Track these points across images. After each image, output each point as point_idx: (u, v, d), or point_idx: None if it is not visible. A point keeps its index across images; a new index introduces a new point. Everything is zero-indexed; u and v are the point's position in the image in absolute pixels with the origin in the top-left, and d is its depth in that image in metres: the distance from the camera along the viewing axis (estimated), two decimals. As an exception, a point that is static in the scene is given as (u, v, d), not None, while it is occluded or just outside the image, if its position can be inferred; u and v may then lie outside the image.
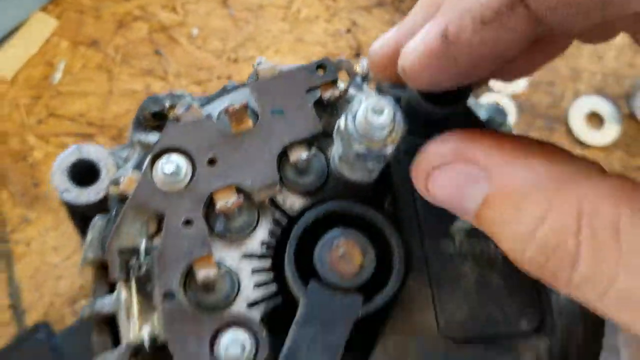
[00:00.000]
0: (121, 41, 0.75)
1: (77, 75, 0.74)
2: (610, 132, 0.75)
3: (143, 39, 0.75)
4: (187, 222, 0.34)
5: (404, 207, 0.35)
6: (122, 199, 0.37)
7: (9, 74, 0.73)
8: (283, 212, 0.36)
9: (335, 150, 0.33)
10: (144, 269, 0.34)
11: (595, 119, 0.76)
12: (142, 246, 0.34)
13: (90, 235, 0.41)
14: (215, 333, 0.33)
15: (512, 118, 0.74)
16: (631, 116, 0.75)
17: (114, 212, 0.38)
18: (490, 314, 0.34)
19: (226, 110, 0.34)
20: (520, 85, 0.76)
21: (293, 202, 0.36)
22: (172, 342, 0.32)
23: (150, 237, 0.35)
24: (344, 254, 0.33)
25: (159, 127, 0.44)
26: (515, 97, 0.75)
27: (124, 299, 0.36)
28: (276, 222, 0.36)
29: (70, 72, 0.74)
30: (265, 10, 0.76)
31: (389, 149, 0.30)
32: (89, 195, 0.47)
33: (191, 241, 0.34)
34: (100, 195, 0.47)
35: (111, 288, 0.40)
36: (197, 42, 0.75)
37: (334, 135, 0.31)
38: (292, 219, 0.35)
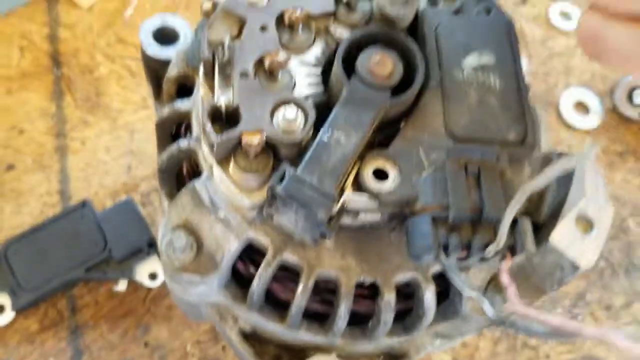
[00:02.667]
0: (186, -8, 0.88)
1: (146, 11, 0.86)
2: (593, 119, 0.86)
3: (205, -7, 0.88)
4: (263, 28, 0.45)
5: (429, 44, 0.46)
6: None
7: (87, 3, 0.86)
8: (334, 38, 0.47)
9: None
10: (227, 56, 0.44)
11: (582, 107, 0.87)
12: (227, 40, 0.44)
13: (175, 58, 0.52)
14: (275, 106, 0.43)
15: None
16: (613, 109, 0.87)
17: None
18: (486, 123, 0.44)
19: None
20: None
21: (342, 32, 0.47)
22: (243, 106, 0.42)
23: (232, 38, 0.45)
24: (379, 61, 0.43)
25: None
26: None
27: (202, 94, 0.46)
28: (327, 44, 0.46)
29: (140, 9, 0.86)
30: None
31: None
32: (168, 52, 0.58)
33: (265, 40, 0.44)
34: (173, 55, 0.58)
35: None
36: None
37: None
38: (340, 43, 0.46)
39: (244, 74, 0.43)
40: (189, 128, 0.51)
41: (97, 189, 0.76)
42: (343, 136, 0.41)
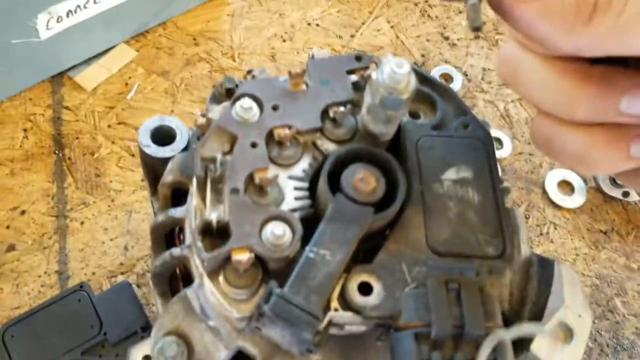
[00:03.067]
0: (186, 75, 0.92)
1: (147, 95, 0.90)
2: (578, 198, 0.89)
3: (204, 76, 0.92)
4: (253, 145, 0.47)
5: (410, 158, 0.49)
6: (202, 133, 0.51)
7: (91, 86, 0.89)
8: (320, 152, 0.49)
9: (364, 104, 0.47)
10: (218, 172, 0.46)
11: (567, 186, 0.90)
12: (219, 157, 0.47)
13: (170, 164, 0.54)
14: (264, 222, 0.45)
15: (500, 175, 0.89)
16: (597, 189, 0.89)
17: (194, 144, 0.51)
18: (466, 238, 0.46)
19: (289, 73, 0.49)
20: (505, 152, 0.91)
21: (328, 146, 0.49)
22: (233, 222, 0.44)
23: (224, 154, 0.48)
24: (362, 178, 0.46)
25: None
26: (499, 161, 0.90)
27: (195, 204, 0.48)
28: (314, 158, 0.49)
29: (142, 92, 0.90)
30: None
31: (405, 97, 0.44)
32: (164, 152, 0.61)
33: (255, 156, 0.47)
34: (173, 154, 0.61)
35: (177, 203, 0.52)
36: (247, 83, 0.91)
37: (366, 90, 0.46)
38: (327, 158, 0.49)
39: (234, 190, 0.46)
40: (182, 231, 0.53)
41: (95, 269, 0.78)
42: (328, 253, 0.43)
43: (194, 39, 0.95)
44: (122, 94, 0.90)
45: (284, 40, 0.96)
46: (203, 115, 0.50)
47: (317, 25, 0.97)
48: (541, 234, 0.86)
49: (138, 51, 0.93)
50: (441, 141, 0.50)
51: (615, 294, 0.82)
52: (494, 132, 0.91)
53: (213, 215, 0.45)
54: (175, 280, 0.55)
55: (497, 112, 0.94)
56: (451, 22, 0.99)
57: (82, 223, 0.80)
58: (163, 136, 0.62)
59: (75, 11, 0.83)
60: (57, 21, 0.82)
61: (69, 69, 0.90)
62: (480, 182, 0.48)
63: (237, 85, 0.57)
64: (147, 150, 0.61)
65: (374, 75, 0.44)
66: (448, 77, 0.94)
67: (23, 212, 0.80)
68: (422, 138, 0.50)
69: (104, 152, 0.85)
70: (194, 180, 0.48)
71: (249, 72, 0.54)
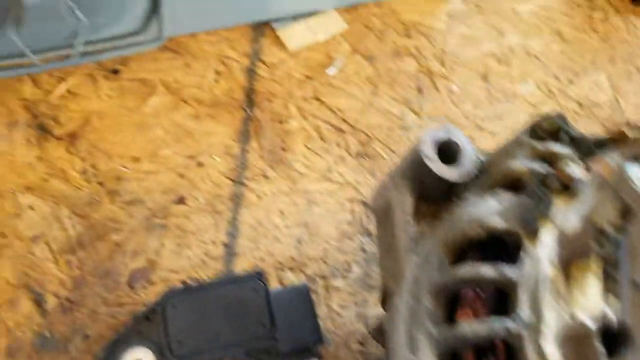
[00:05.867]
0: (392, 67, 0.82)
1: (349, 76, 0.80)
2: None
3: (411, 74, 0.83)
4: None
5: None
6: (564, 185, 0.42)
7: (293, 46, 0.79)
8: None
9: None
10: (611, 253, 0.38)
11: None
12: (610, 229, 0.38)
13: (498, 205, 0.45)
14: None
15: None
16: None
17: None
18: None
19: None
20: None
21: None
22: (637, 329, 0.36)
23: (615, 227, 0.39)
24: None
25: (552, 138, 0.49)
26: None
27: (550, 275, 0.40)
28: None
29: (344, 71, 0.80)
30: (517, 99, 0.85)
31: None
32: (451, 173, 0.52)
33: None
34: (459, 178, 0.52)
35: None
36: (453, 98, 0.83)
37: None
38: None
39: (636, 285, 0.37)
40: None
41: (264, 254, 0.68)
42: None
43: (406, 29, 0.85)
44: (322, 66, 0.80)
45: (500, 62, 0.87)
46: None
47: (537, 58, 0.88)
48: None
49: (348, 24, 0.83)
50: None
51: None
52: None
53: (607, 310, 0.37)
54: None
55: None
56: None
57: (259, 197, 0.71)
58: (446, 151, 0.53)
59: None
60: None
61: (275, 20, 0.80)
62: None
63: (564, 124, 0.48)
64: (431, 166, 0.52)
65: None
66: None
67: (200, 164, 0.71)
68: None
69: (293, 125, 0.76)
70: (542, 238, 0.40)
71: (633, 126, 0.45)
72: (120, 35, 0.69)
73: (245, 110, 0.74)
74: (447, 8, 0.89)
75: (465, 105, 0.83)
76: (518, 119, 0.83)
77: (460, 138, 0.53)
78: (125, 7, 0.67)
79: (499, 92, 0.84)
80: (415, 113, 0.80)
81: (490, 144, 0.55)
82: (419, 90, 0.82)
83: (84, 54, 0.67)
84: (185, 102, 0.73)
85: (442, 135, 0.53)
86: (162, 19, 0.69)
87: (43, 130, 0.68)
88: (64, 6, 0.61)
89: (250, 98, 0.75)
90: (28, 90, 0.68)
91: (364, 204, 0.71)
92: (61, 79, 0.69)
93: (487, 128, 0.81)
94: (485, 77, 0.85)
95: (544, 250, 0.42)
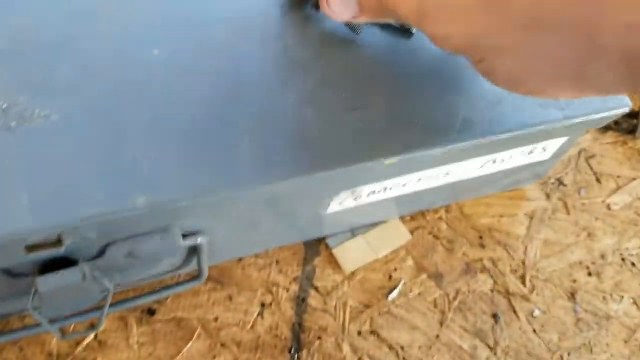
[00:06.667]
0: (463, 286, 0.72)
1: (412, 301, 0.70)
2: None
3: (484, 295, 0.72)
4: None
5: None
6: None
7: (350, 267, 0.70)
8: None
9: None
10: None
11: None
12: None
13: None
14: None
15: None
16: None
17: None
18: None
19: None
20: None
21: None
22: None
23: None
24: None
25: None
26: None
27: None
28: None
29: (406, 295, 0.70)
30: (611, 323, 0.72)
31: None
32: None
33: None
34: None
35: None
36: (535, 325, 0.71)
37: None
38: None
39: None
40: None
41: None
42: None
43: (480, 237, 0.75)
44: (382, 290, 0.70)
45: (589, 274, 0.74)
46: None
47: (633, 264, 0.75)
48: None
49: (412, 233, 0.73)
50: None
51: None
52: None
53: None
54: None
55: None
56: None
57: None
58: None
59: (375, 192, 0.64)
60: (354, 199, 0.63)
61: (331, 236, 0.71)
62: None
63: None
64: None
65: None
66: None
67: None
68: None
69: (346, 369, 0.66)
70: None
71: None
72: (158, 274, 0.62)
73: (290, 354, 0.66)
74: (526, 206, 0.77)
75: (548, 333, 0.70)
76: (611, 350, 0.70)
77: None
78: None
79: (588, 314, 0.72)
80: (490, 348, 0.69)
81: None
82: (494, 317, 0.70)
83: (113, 304, 0.60)
84: (223, 346, 0.65)
85: None
86: (202, 256, 0.62)
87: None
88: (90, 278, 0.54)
89: (298, 338, 0.66)
90: (54, 341, 0.62)
91: None
92: (90, 325, 0.63)
93: (572, 363, 0.69)
94: (572, 296, 0.73)
95: None
